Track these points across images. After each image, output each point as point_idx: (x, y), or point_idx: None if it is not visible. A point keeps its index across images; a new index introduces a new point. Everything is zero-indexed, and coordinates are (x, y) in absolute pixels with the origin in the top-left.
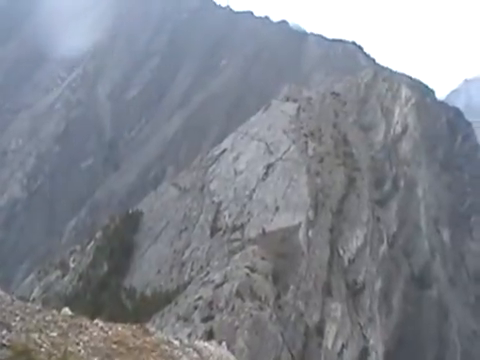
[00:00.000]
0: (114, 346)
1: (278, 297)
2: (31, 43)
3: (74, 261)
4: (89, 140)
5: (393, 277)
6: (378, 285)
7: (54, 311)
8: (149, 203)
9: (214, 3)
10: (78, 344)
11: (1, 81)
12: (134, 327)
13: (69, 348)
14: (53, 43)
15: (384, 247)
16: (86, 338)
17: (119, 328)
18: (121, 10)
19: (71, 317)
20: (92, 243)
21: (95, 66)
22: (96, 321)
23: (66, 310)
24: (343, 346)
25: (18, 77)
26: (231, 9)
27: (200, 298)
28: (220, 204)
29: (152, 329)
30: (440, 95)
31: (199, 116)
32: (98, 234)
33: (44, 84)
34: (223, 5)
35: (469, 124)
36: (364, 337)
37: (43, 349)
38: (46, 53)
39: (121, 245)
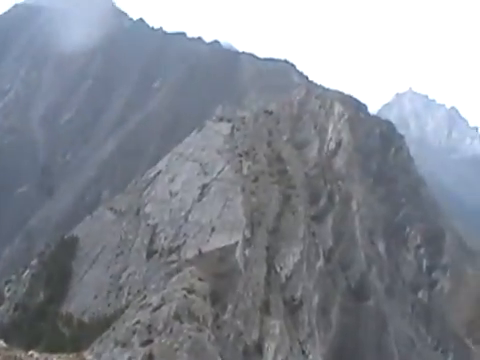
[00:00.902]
0: None
1: (216, 317)
2: None
3: (9, 290)
4: (23, 166)
5: (330, 291)
6: (316, 300)
7: None
8: (85, 228)
9: (147, 25)
10: None
11: None
12: (71, 356)
13: None
14: None
15: (321, 262)
16: None
17: (54, 359)
18: (52, 33)
19: (6, 349)
20: (27, 271)
21: (27, 91)
22: (31, 352)
23: (0, 342)
24: None
25: None
26: (164, 31)
27: (138, 322)
28: (156, 226)
29: (89, 357)
30: (373, 109)
31: (134, 138)
32: (33, 261)
33: None
34: (156, 27)
35: (402, 137)
36: (303, 352)
37: None
38: None
39: (57, 272)
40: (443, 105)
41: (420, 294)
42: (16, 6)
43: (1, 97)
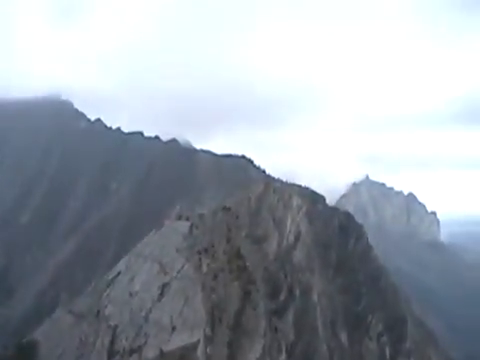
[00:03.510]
0: None
1: None
2: None
3: None
4: None
5: None
6: None
7: None
8: (44, 331)
9: (104, 125)
10: None
11: None
12: None
13: None
14: None
15: (283, 357)
16: None
17: None
18: (7, 132)
19: None
20: None
21: None
22: None
23: None
24: None
25: None
26: (121, 130)
27: None
28: (116, 327)
29: None
30: (330, 200)
31: (92, 239)
32: None
33: None
34: (113, 127)
35: (360, 226)
36: None
37: None
38: None
39: None
40: (401, 192)
41: None
42: None
43: None
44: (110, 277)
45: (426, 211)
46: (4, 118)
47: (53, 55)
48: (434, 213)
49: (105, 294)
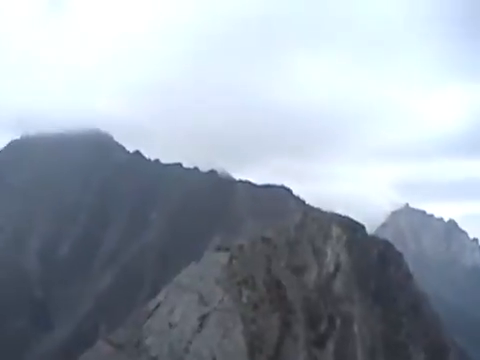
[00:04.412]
0: None
1: None
2: None
3: None
4: (18, 300)
5: None
6: None
7: None
8: None
9: (143, 156)
10: None
11: None
12: None
13: None
14: None
15: None
16: None
17: None
18: (47, 165)
19: None
20: None
21: (23, 225)
22: None
23: None
24: None
25: None
26: (160, 162)
27: None
28: (156, 359)
29: None
30: (370, 229)
31: (131, 270)
32: None
33: None
34: (152, 158)
35: (400, 254)
36: None
37: None
38: None
39: None
40: (441, 219)
41: None
42: (13, 142)
43: None
44: (150, 308)
45: (468, 238)
46: (43, 151)
47: (92, 88)
48: (476, 240)
49: (145, 325)
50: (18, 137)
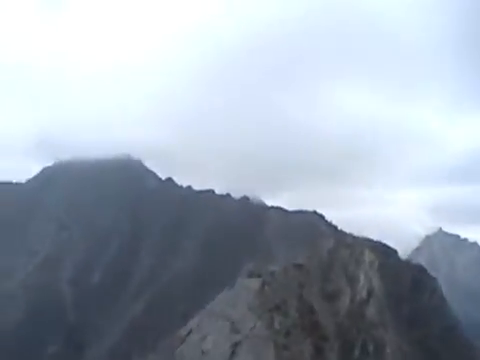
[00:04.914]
0: None
1: None
2: None
3: None
4: (52, 325)
5: None
6: None
7: None
8: None
9: (175, 183)
10: None
11: None
12: None
13: None
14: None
15: None
16: None
17: None
18: (80, 192)
19: None
20: None
21: (57, 251)
22: None
23: None
24: None
25: None
26: (192, 189)
27: None
28: None
29: None
30: (403, 254)
31: (163, 297)
32: None
33: (6, 269)
34: (184, 185)
35: (434, 279)
36: None
37: None
38: (7, 238)
39: None
40: (475, 242)
41: None
42: (45, 169)
43: (32, 257)
44: (182, 334)
45: None
46: (75, 178)
47: (123, 114)
48: None
49: (177, 351)
50: (51, 164)
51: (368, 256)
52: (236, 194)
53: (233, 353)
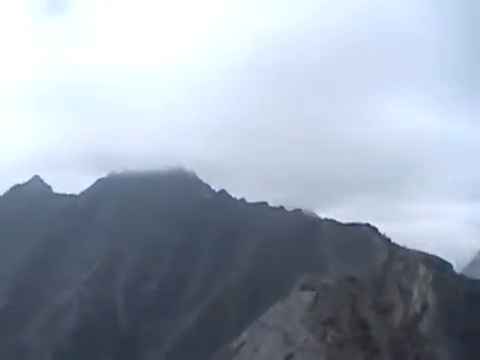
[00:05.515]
0: None
1: None
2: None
3: None
4: (105, 337)
5: None
6: None
7: None
8: None
9: (228, 195)
10: None
11: (20, 277)
12: None
13: None
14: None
15: None
16: None
17: None
18: (133, 203)
19: None
20: None
21: (110, 262)
22: None
23: None
24: None
25: (35, 273)
26: (245, 201)
27: None
28: None
29: None
30: (457, 268)
31: (216, 309)
32: None
33: (61, 280)
34: (238, 197)
35: None
36: None
37: None
38: (62, 250)
39: None
40: None
41: None
42: (99, 181)
43: (86, 268)
44: (235, 346)
45: None
46: (129, 190)
47: (176, 127)
48: None
49: None
50: (105, 175)
51: (422, 270)
52: (289, 206)
53: None
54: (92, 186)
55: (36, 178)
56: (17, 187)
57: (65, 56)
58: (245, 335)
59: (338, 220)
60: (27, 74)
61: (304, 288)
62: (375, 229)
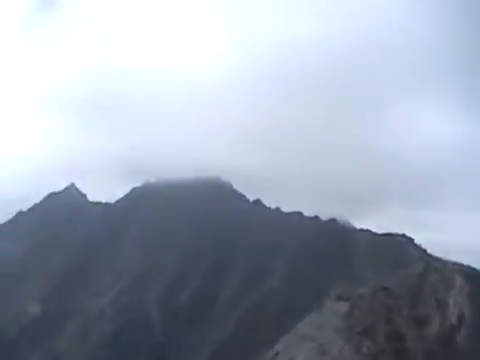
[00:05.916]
0: None
1: None
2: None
3: None
4: (139, 346)
5: None
6: None
7: None
8: None
9: (263, 205)
10: None
11: (54, 285)
12: None
13: None
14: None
15: None
16: None
17: None
18: (168, 212)
19: None
20: None
21: (144, 271)
22: None
23: None
24: None
25: (70, 281)
26: (280, 210)
27: None
28: None
29: None
30: None
31: (250, 319)
32: None
33: (95, 288)
34: (273, 207)
35: None
36: None
37: None
38: (96, 258)
39: None
40: None
41: None
42: (134, 190)
43: (120, 277)
44: (269, 357)
45: None
46: (164, 199)
47: (211, 136)
48: None
49: None
50: (139, 184)
51: (458, 281)
52: (324, 216)
53: None
54: (127, 195)
55: (72, 186)
56: (53, 195)
57: (102, 60)
58: (280, 345)
59: (373, 230)
60: (62, 79)
61: (339, 298)
62: (411, 239)
